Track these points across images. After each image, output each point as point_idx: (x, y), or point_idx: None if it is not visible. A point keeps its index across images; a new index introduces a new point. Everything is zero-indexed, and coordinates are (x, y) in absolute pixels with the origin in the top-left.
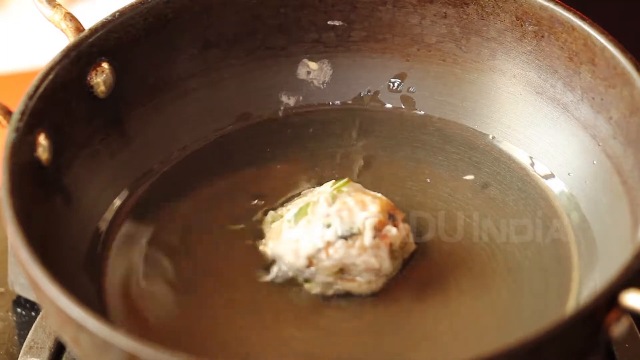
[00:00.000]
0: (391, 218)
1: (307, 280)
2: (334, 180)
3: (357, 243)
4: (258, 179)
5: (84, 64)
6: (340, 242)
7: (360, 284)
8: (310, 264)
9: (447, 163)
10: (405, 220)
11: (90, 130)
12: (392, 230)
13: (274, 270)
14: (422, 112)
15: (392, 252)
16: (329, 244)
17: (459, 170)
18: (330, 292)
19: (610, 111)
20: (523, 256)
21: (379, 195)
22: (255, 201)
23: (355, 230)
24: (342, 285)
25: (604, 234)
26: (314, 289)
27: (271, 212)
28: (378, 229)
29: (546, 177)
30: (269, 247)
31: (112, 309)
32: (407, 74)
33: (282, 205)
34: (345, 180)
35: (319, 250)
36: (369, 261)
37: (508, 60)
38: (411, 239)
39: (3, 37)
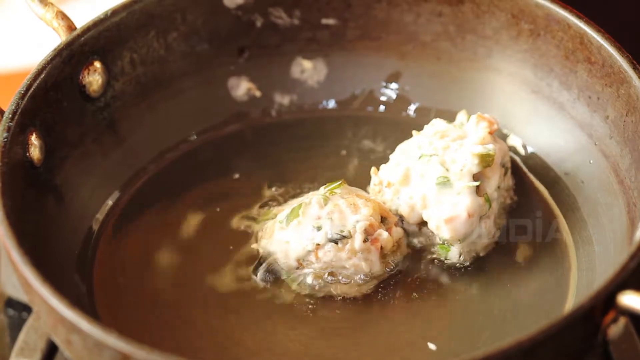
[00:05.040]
0: (384, 222)
1: (297, 281)
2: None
3: (347, 246)
4: (251, 179)
5: (75, 63)
6: (330, 245)
7: (350, 285)
8: (300, 265)
9: None
10: (397, 224)
11: (82, 130)
12: (383, 234)
13: (264, 268)
14: (417, 111)
15: (384, 256)
16: (318, 247)
17: None
18: (320, 293)
19: (607, 110)
20: (520, 256)
21: (373, 197)
22: (248, 201)
23: (345, 233)
24: (332, 287)
25: (601, 234)
26: (304, 290)
27: (264, 211)
28: (369, 233)
29: (543, 177)
30: (261, 245)
31: (104, 309)
32: (402, 72)
33: (274, 205)
34: (339, 182)
35: (308, 253)
36: (358, 265)
37: (504, 59)
38: (404, 242)
39: None
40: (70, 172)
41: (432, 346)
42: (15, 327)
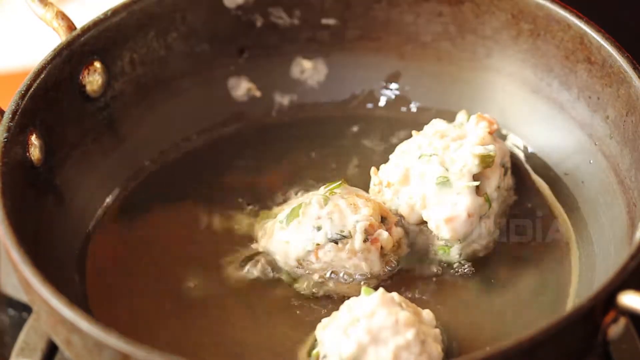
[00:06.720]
0: (384, 221)
1: (297, 281)
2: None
3: (347, 246)
4: (250, 179)
5: (75, 63)
6: (330, 245)
7: (350, 285)
8: (300, 265)
9: None
10: (398, 224)
11: (82, 130)
12: (383, 234)
13: (263, 268)
14: (417, 111)
15: (384, 256)
16: (318, 247)
17: None
18: (320, 292)
19: (607, 110)
20: (521, 256)
21: (373, 197)
22: (248, 201)
23: (345, 233)
24: (332, 287)
25: (601, 235)
26: (305, 289)
27: (264, 211)
28: (369, 233)
29: (543, 177)
30: (260, 245)
31: (104, 309)
32: (402, 72)
33: (275, 205)
34: (339, 182)
35: (308, 253)
36: (358, 265)
37: (504, 59)
38: (404, 242)
39: None
40: (70, 172)
41: None
42: (15, 327)
